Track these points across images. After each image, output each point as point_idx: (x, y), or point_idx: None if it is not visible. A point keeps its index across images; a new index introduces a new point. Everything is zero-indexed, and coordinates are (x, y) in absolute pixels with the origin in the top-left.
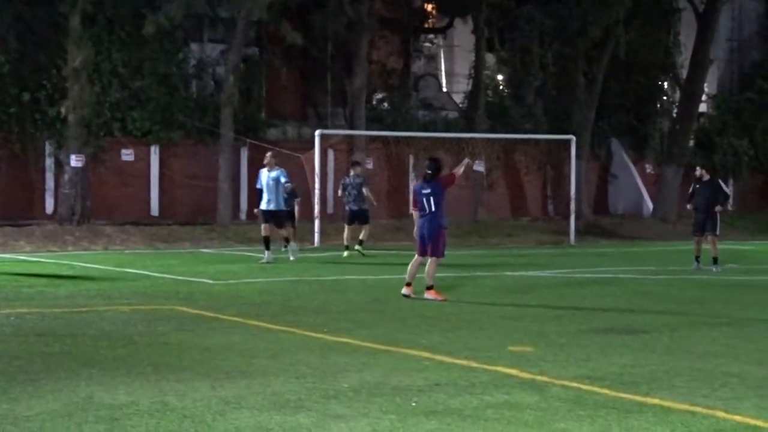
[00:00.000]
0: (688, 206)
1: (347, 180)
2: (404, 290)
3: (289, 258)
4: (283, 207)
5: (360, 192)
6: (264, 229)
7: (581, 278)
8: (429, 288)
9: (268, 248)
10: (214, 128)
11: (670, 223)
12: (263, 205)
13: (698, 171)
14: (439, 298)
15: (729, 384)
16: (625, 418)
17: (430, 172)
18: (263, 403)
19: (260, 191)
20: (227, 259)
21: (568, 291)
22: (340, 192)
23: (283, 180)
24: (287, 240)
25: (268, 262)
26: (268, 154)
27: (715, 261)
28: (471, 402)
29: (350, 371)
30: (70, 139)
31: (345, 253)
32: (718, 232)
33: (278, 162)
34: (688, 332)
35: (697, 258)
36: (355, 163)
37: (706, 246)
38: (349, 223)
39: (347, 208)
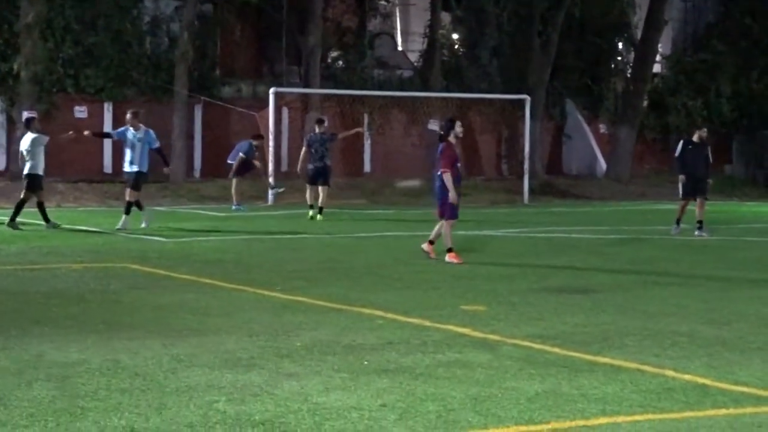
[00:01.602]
0: (681, 177)
1: (312, 136)
2: (424, 245)
3: (142, 225)
4: (146, 169)
5: (326, 149)
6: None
7: (534, 237)
8: (448, 250)
9: (128, 213)
10: (168, 86)
11: (623, 183)
12: (126, 167)
13: (697, 134)
14: (455, 260)
15: (679, 343)
16: (575, 377)
17: (442, 133)
18: (215, 361)
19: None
20: (180, 217)
21: (521, 250)
22: (304, 149)
23: (154, 145)
24: (135, 204)
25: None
26: (129, 111)
27: (701, 225)
28: (423, 360)
29: (303, 330)
30: (23, 96)
31: (311, 213)
32: (707, 196)
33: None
34: (639, 292)
35: (678, 221)
36: (320, 120)
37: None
38: (312, 183)
39: (311, 165)
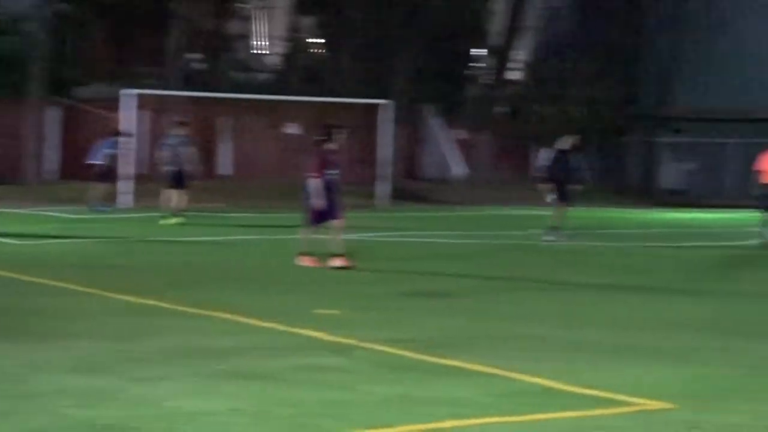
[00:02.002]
0: (549, 185)
1: (170, 139)
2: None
3: None
4: None
5: (182, 153)
6: None
7: (391, 242)
8: (303, 253)
9: None
10: (22, 86)
11: (480, 188)
12: None
13: (567, 141)
14: (309, 264)
15: (531, 347)
16: (427, 381)
17: (321, 138)
18: (65, 366)
19: None
20: (33, 220)
21: (377, 254)
22: (161, 152)
23: None
24: None
25: None
26: None
27: (554, 229)
28: (276, 365)
29: (155, 334)
30: None
31: (168, 216)
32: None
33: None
34: (494, 296)
35: (553, 229)
36: (180, 123)
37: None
38: (170, 186)
39: (168, 169)
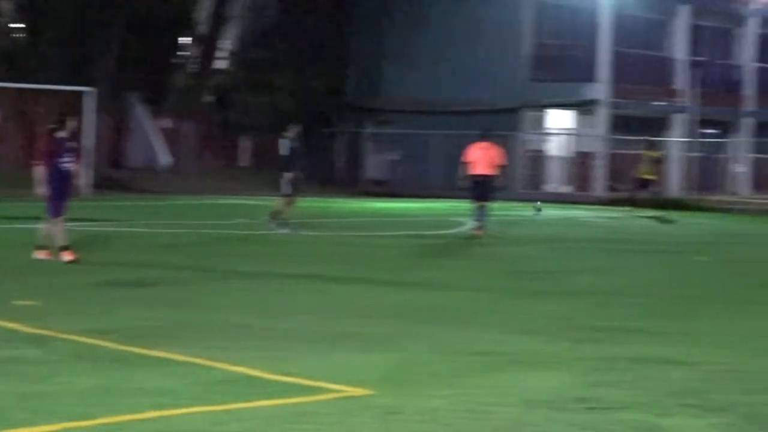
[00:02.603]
0: (289, 174)
1: None
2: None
3: None
4: None
5: None
6: None
7: (95, 232)
8: (40, 247)
9: None
10: None
11: (187, 177)
12: None
13: (291, 132)
14: (45, 257)
15: (233, 336)
16: (129, 371)
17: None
18: None
19: None
20: None
21: (79, 244)
22: None
23: None
24: None
25: None
26: None
27: (274, 217)
28: None
29: None
30: None
31: None
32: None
33: None
34: (198, 286)
35: (279, 219)
36: None
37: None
38: None
39: None
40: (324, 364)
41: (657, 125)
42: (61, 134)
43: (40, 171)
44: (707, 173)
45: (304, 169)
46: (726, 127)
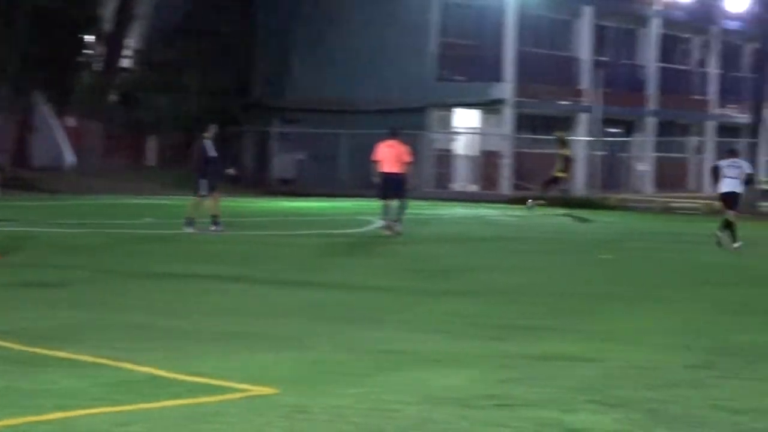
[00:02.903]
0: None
1: None
2: None
3: None
4: None
5: None
6: None
7: None
8: None
9: None
10: None
11: (91, 177)
12: None
13: (210, 131)
14: None
15: (140, 336)
16: (33, 373)
17: None
18: None
19: None
20: None
21: None
22: None
23: None
24: None
25: None
26: None
27: (216, 219)
28: None
29: None
30: None
31: None
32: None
33: None
34: (102, 286)
35: (192, 221)
36: None
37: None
38: None
39: None
40: (231, 364)
41: (562, 124)
42: None
43: None
44: (612, 172)
45: (220, 169)
46: (630, 127)
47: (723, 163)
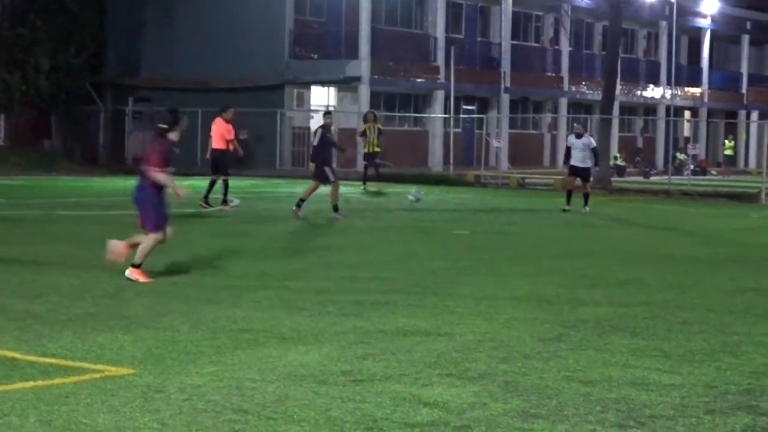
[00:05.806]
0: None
1: None
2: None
3: None
4: None
5: None
6: None
7: None
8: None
9: None
10: None
11: None
12: None
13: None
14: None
15: None
16: None
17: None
18: None
19: None
20: None
21: None
22: None
23: None
24: None
25: None
26: None
27: None
28: None
29: None
30: None
31: None
32: None
33: None
34: None
35: None
36: None
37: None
38: None
39: None
40: (84, 345)
41: (419, 102)
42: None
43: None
44: (467, 149)
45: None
46: (485, 104)
47: (571, 139)
